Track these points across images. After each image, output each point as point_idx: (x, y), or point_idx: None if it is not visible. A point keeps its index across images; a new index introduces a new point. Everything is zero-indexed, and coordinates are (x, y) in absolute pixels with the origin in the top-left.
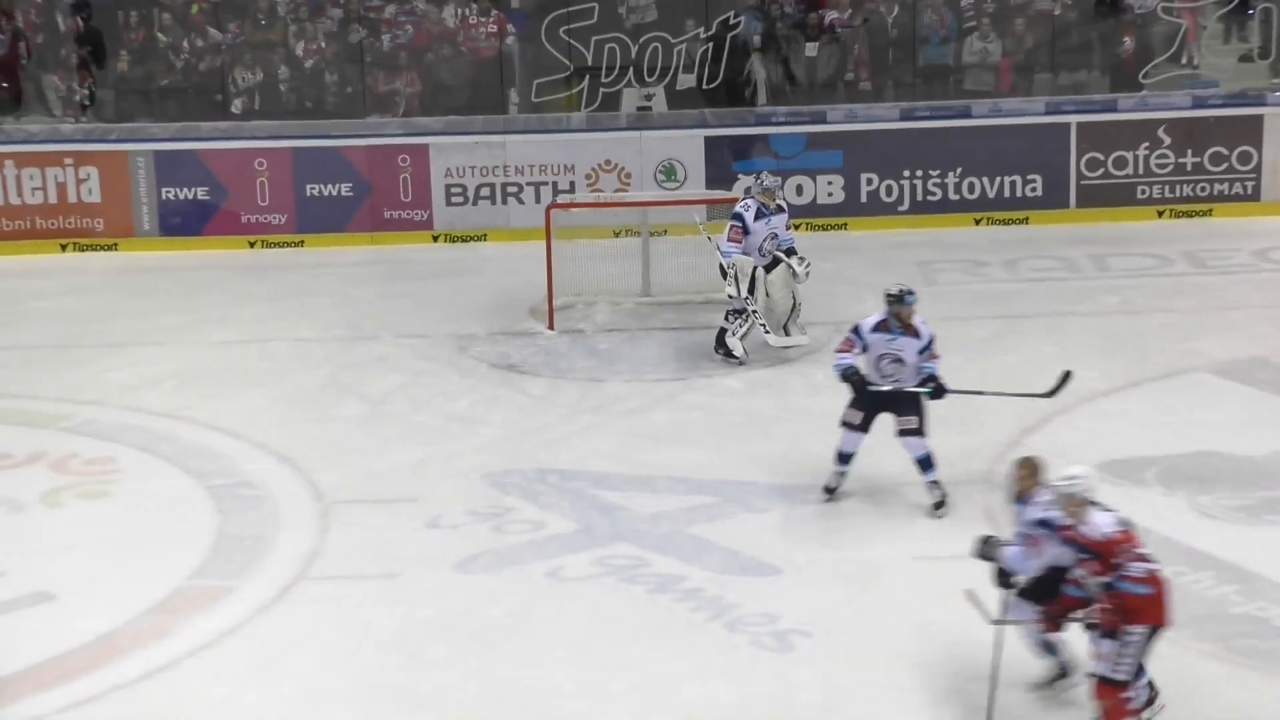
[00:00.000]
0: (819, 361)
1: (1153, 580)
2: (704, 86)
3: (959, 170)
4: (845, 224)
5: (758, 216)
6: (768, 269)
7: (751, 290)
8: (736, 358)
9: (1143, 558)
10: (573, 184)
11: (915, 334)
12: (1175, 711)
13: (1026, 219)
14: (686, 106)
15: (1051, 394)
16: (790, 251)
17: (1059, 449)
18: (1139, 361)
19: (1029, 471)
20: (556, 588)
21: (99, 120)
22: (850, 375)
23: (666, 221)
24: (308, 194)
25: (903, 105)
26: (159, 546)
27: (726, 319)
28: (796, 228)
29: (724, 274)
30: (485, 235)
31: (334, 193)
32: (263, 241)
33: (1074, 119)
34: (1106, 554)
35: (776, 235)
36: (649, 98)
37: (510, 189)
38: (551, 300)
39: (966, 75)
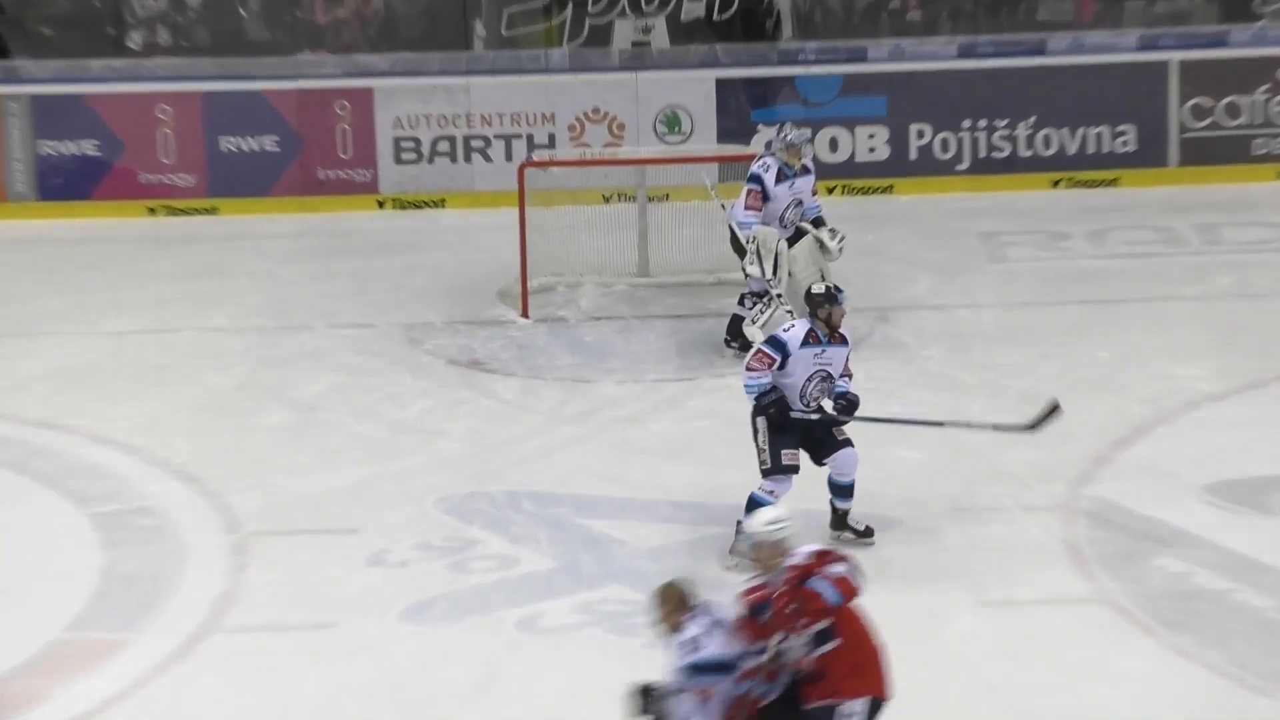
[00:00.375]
0: (857, 360)
1: (847, 589)
2: (715, 17)
3: (1032, 120)
4: (891, 187)
5: (779, 179)
6: (790, 243)
7: (775, 269)
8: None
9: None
10: (552, 137)
11: (843, 341)
12: None
13: (1116, 180)
14: (693, 41)
15: (1033, 428)
16: (818, 222)
17: (1161, 467)
18: (1260, 357)
19: (671, 606)
20: (532, 641)
21: None
22: (769, 400)
23: (669, 184)
24: (222, 149)
25: (961, 40)
26: (30, 589)
27: (742, 304)
28: (829, 192)
29: (740, 249)
30: (443, 200)
31: (255, 148)
32: (166, 208)
33: (1175, 56)
34: (806, 573)
35: (801, 202)
36: (647, 30)
37: (475, 144)
38: (526, 281)
39: (1040, 3)
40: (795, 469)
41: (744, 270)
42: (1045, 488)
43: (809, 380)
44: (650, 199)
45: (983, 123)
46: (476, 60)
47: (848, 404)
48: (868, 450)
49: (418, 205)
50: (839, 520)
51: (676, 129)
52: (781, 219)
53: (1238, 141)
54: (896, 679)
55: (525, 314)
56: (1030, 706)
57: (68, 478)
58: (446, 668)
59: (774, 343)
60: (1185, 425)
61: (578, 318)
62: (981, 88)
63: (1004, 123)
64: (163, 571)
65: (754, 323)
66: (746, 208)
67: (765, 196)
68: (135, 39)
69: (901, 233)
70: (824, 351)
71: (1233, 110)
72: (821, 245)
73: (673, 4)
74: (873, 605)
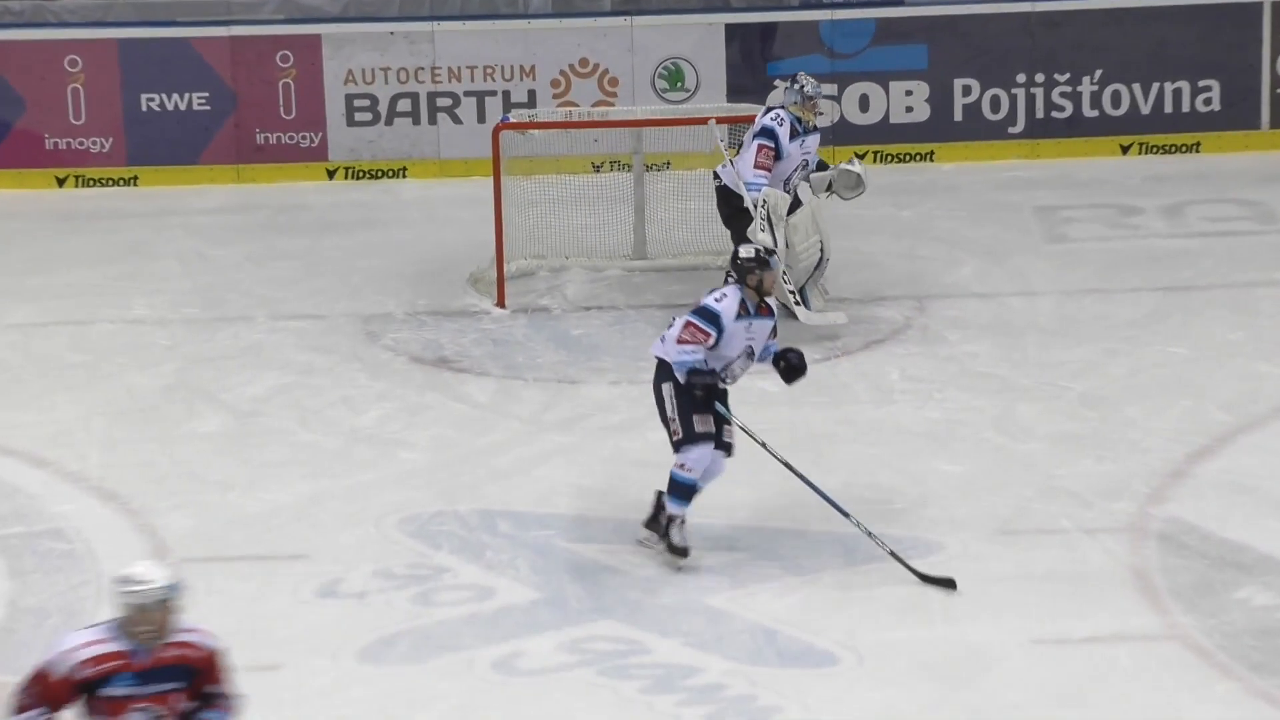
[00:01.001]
0: (891, 356)
1: None
2: None
3: (1098, 74)
4: (932, 153)
5: (792, 135)
6: (789, 210)
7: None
8: (819, 324)
9: None
10: (532, 94)
11: (770, 313)
12: None
13: (1198, 145)
14: None
15: (926, 579)
16: (822, 165)
17: (1246, 482)
18: None
19: None
20: (509, 684)
21: None
22: (702, 380)
23: (670, 149)
24: (143, 108)
25: None
26: None
27: (727, 281)
28: (861, 158)
29: (732, 214)
30: (405, 169)
31: (182, 106)
32: (79, 178)
33: None
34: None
35: (808, 163)
36: None
37: (441, 101)
38: (502, 265)
39: None
40: (711, 436)
41: (759, 240)
42: (1110, 506)
43: (737, 357)
44: (648, 167)
45: (1040, 78)
46: (443, 3)
47: (791, 366)
48: (902, 462)
49: (374, 175)
50: (653, 520)
51: (679, 84)
52: (787, 182)
53: None
54: None
55: (501, 303)
56: None
57: None
58: (411, 717)
59: (707, 315)
60: (1275, 433)
61: (563, 308)
62: (1040, 35)
63: (1065, 77)
64: (78, 604)
65: (796, 302)
66: (757, 166)
67: (778, 154)
68: None
69: (945, 207)
70: (751, 325)
71: None
72: (848, 180)
73: None
74: (909, 643)
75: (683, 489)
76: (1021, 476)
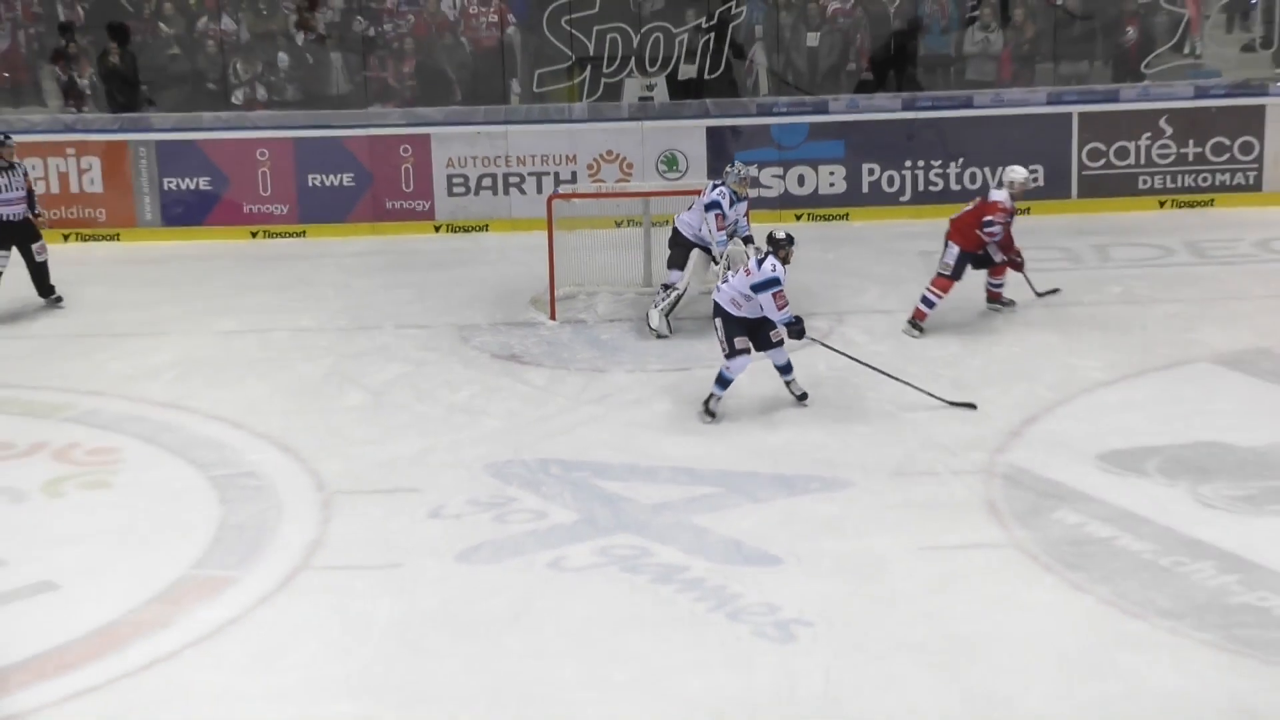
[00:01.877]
0: (820, 354)
1: None
2: (705, 76)
3: (960, 160)
4: (847, 214)
5: (731, 204)
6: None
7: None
8: (654, 329)
9: None
10: (574, 174)
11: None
12: (1176, 703)
13: (1029, 209)
14: (688, 97)
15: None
16: (748, 240)
17: (1062, 439)
18: (1141, 352)
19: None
20: (558, 578)
21: (99, 111)
22: (796, 322)
23: (668, 211)
24: (309, 184)
25: (904, 95)
26: (161, 537)
27: (658, 292)
28: (797, 219)
29: (679, 253)
30: (487, 225)
31: (336, 183)
32: (265, 231)
33: (1076, 109)
34: None
35: (738, 223)
36: (651, 88)
37: (512, 179)
38: (553, 290)
39: (968, 65)
40: (747, 350)
41: (670, 270)
42: (970, 455)
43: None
44: (653, 224)
45: (921, 163)
46: (513, 112)
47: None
48: (829, 425)
49: (466, 229)
50: (787, 386)
51: (674, 167)
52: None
53: (1126, 178)
54: (851, 608)
55: (553, 317)
56: (956, 630)
57: (189, 448)
58: (490, 599)
59: (778, 283)
60: (1082, 406)
61: (595, 320)
62: (921, 134)
63: (938, 163)
64: (266, 522)
65: (656, 307)
66: (719, 229)
67: (725, 218)
68: (238, 95)
69: (856, 251)
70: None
71: (1122, 153)
72: (712, 261)
73: (671, 66)
74: (832, 550)
75: (726, 382)
76: (909, 435)
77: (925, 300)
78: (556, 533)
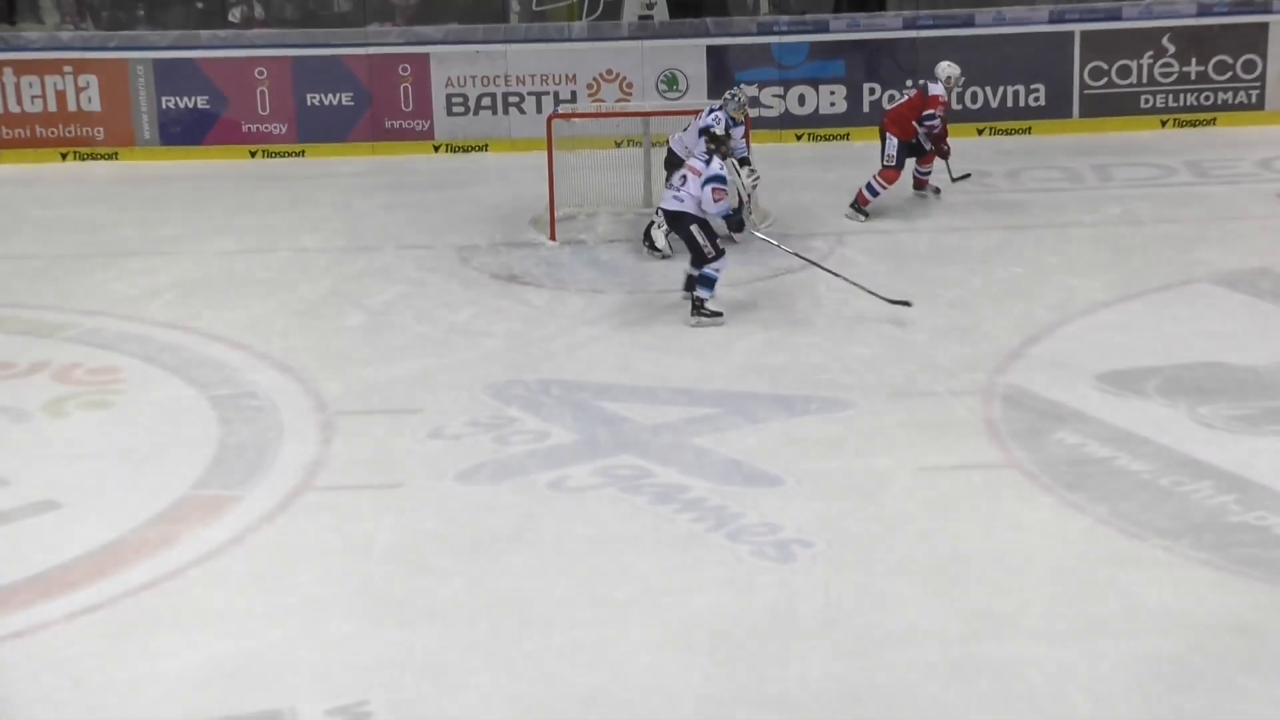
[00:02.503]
0: (820, 274)
1: None
2: None
3: (963, 80)
4: (848, 134)
5: (728, 129)
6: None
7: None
8: (659, 250)
9: None
10: (574, 94)
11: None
12: (1173, 621)
13: (1029, 129)
14: (688, 15)
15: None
16: (744, 161)
17: (1061, 359)
18: (1142, 272)
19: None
20: (559, 498)
21: (97, 28)
22: (734, 214)
23: (668, 131)
24: (308, 103)
25: (905, 14)
26: (163, 456)
27: (657, 213)
28: (798, 139)
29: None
30: (486, 146)
31: (335, 102)
32: (264, 151)
33: (1078, 27)
34: None
35: (734, 146)
36: (650, 6)
37: (511, 99)
38: (553, 211)
39: None
40: (725, 251)
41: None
42: (969, 376)
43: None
44: (653, 144)
45: (922, 82)
46: (513, 31)
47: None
48: (829, 345)
49: (466, 150)
50: (694, 307)
51: (674, 87)
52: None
53: (1128, 97)
54: (850, 528)
55: (553, 238)
56: (955, 550)
57: (190, 368)
58: (492, 518)
59: (722, 179)
60: (1081, 326)
61: (595, 240)
62: (922, 53)
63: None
64: (267, 442)
65: (659, 226)
66: (715, 200)
67: (724, 191)
68: (235, 14)
69: (856, 172)
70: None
71: (1124, 72)
72: (740, 180)
73: None
74: (832, 469)
75: (712, 283)
76: (909, 356)
77: (870, 188)
78: (557, 453)
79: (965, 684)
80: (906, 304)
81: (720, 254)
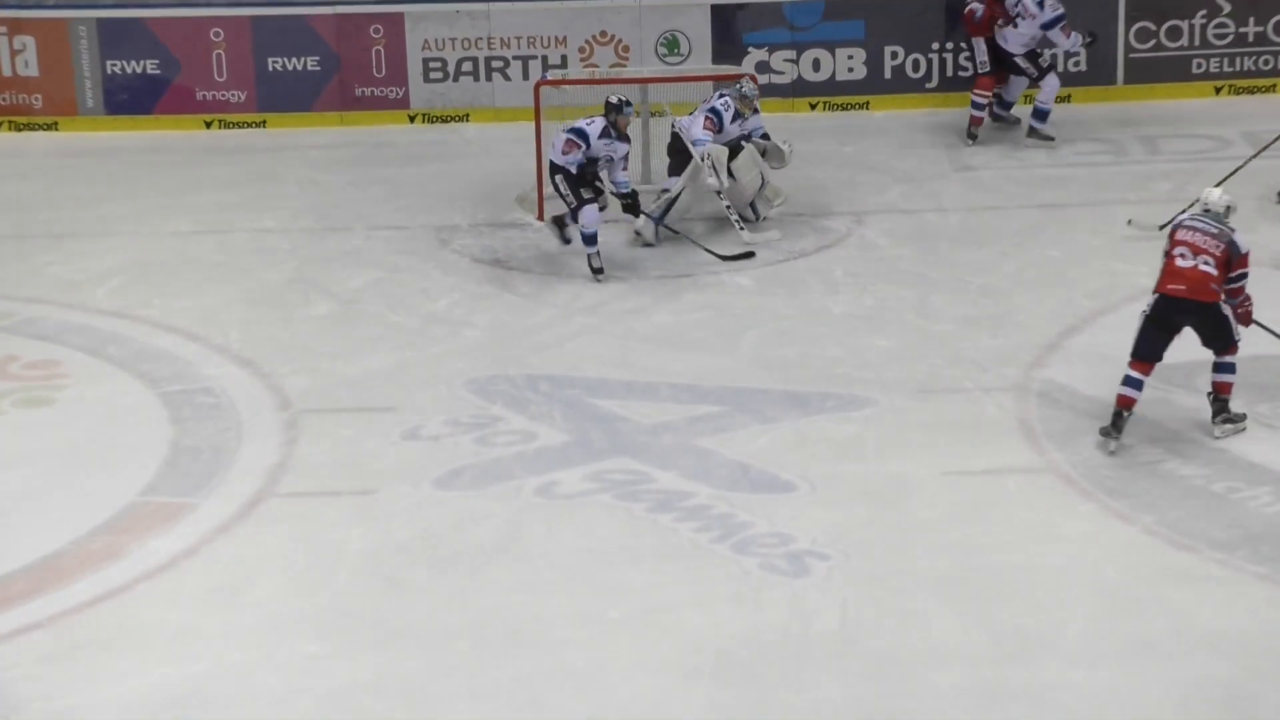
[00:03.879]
0: (836, 258)
1: None
2: None
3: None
4: (868, 103)
5: (733, 119)
6: (731, 155)
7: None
8: (639, 235)
9: None
10: (564, 58)
11: (626, 141)
12: (1227, 641)
13: (1069, 97)
14: None
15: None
16: (765, 137)
17: (1104, 352)
18: None
19: None
20: (548, 505)
21: None
22: (581, 169)
23: (669, 100)
24: (269, 68)
25: None
26: (108, 459)
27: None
28: (812, 108)
29: (676, 155)
30: (467, 115)
31: (299, 67)
32: (220, 121)
33: None
34: None
35: (750, 135)
36: None
37: (495, 64)
38: (542, 188)
39: None
40: (594, 199)
41: (707, 184)
42: (1001, 371)
43: (594, 159)
44: (652, 114)
45: (949, 45)
46: None
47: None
48: (845, 338)
49: (444, 119)
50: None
51: (675, 51)
52: (735, 141)
53: (1178, 62)
54: (870, 538)
55: (540, 217)
56: (986, 562)
57: (139, 361)
58: (474, 528)
59: (578, 132)
60: (1126, 315)
61: None
62: (949, 14)
63: (967, 45)
64: (224, 444)
65: (653, 216)
66: (704, 128)
67: (719, 127)
68: None
69: (876, 144)
70: (612, 144)
71: (1174, 33)
72: (778, 153)
73: None
74: (849, 474)
75: (589, 237)
76: (935, 349)
77: (975, 105)
78: (545, 456)
79: (997, 711)
80: (749, 255)
81: (582, 202)
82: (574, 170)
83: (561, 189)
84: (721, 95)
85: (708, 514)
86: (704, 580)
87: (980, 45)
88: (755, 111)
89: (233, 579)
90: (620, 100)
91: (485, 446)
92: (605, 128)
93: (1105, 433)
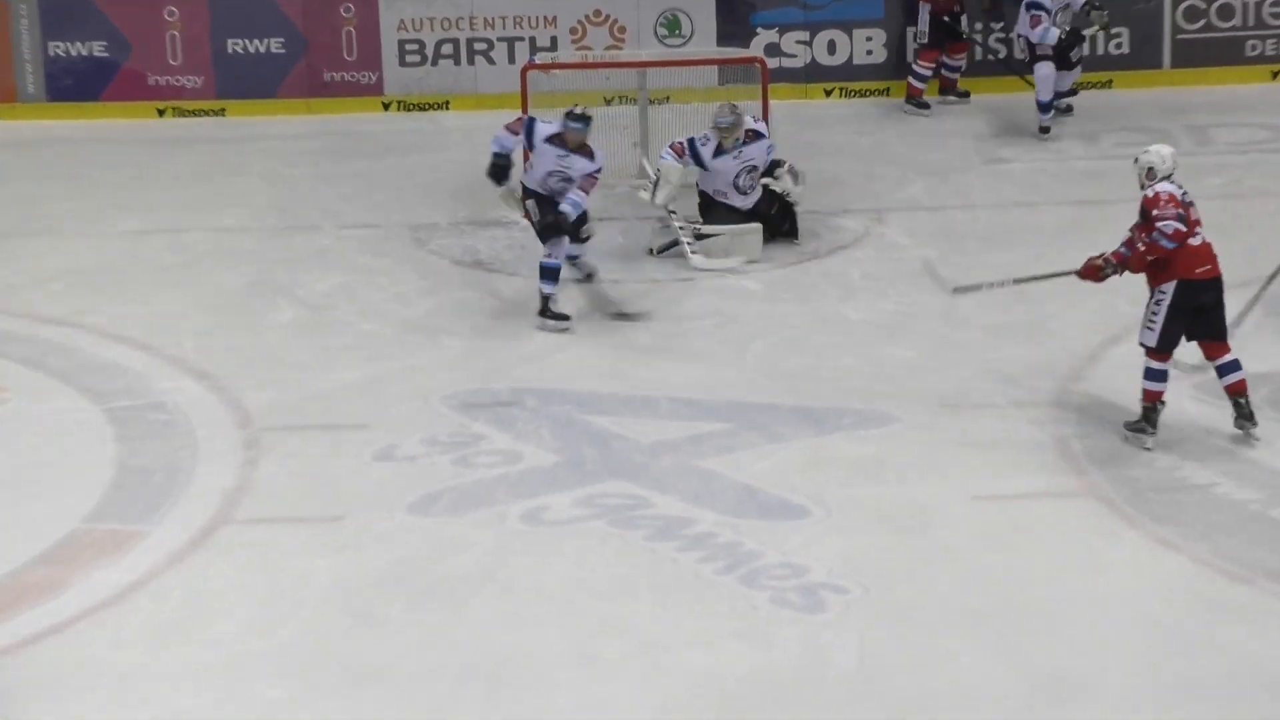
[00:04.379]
0: (853, 260)
1: None
2: None
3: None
4: (888, 89)
5: (717, 153)
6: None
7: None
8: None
9: None
10: (554, 40)
11: (588, 156)
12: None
13: (1110, 81)
14: None
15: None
16: (775, 163)
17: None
18: (1247, 257)
19: None
20: (535, 533)
21: None
22: (501, 162)
23: (669, 86)
24: (229, 51)
25: None
26: (49, 482)
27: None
28: (827, 95)
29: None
30: (448, 103)
31: (261, 49)
32: (175, 109)
33: None
34: None
35: (756, 167)
36: None
37: (478, 46)
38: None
39: None
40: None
41: (643, 197)
42: (1036, 384)
43: (549, 174)
44: (651, 101)
45: (978, 26)
46: None
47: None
48: (862, 348)
49: (422, 107)
50: (542, 307)
51: (677, 32)
52: (737, 186)
53: (1231, 43)
54: (891, 569)
55: (527, 215)
56: (1019, 597)
57: (83, 374)
58: (453, 559)
59: (525, 123)
60: None
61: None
62: None
63: (999, 26)
64: (177, 465)
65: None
66: (671, 148)
67: (695, 161)
68: None
69: (898, 134)
70: (565, 157)
71: (1225, 12)
72: (786, 192)
73: None
74: (868, 498)
75: (551, 273)
76: (962, 360)
77: (915, 75)
78: (532, 479)
79: None
80: (630, 317)
81: (554, 232)
82: (538, 189)
83: (533, 215)
84: (706, 133)
85: (712, 542)
86: (708, 616)
87: (925, 15)
88: (760, 135)
89: (186, 615)
90: (579, 111)
91: (466, 468)
92: (559, 134)
93: (1138, 428)
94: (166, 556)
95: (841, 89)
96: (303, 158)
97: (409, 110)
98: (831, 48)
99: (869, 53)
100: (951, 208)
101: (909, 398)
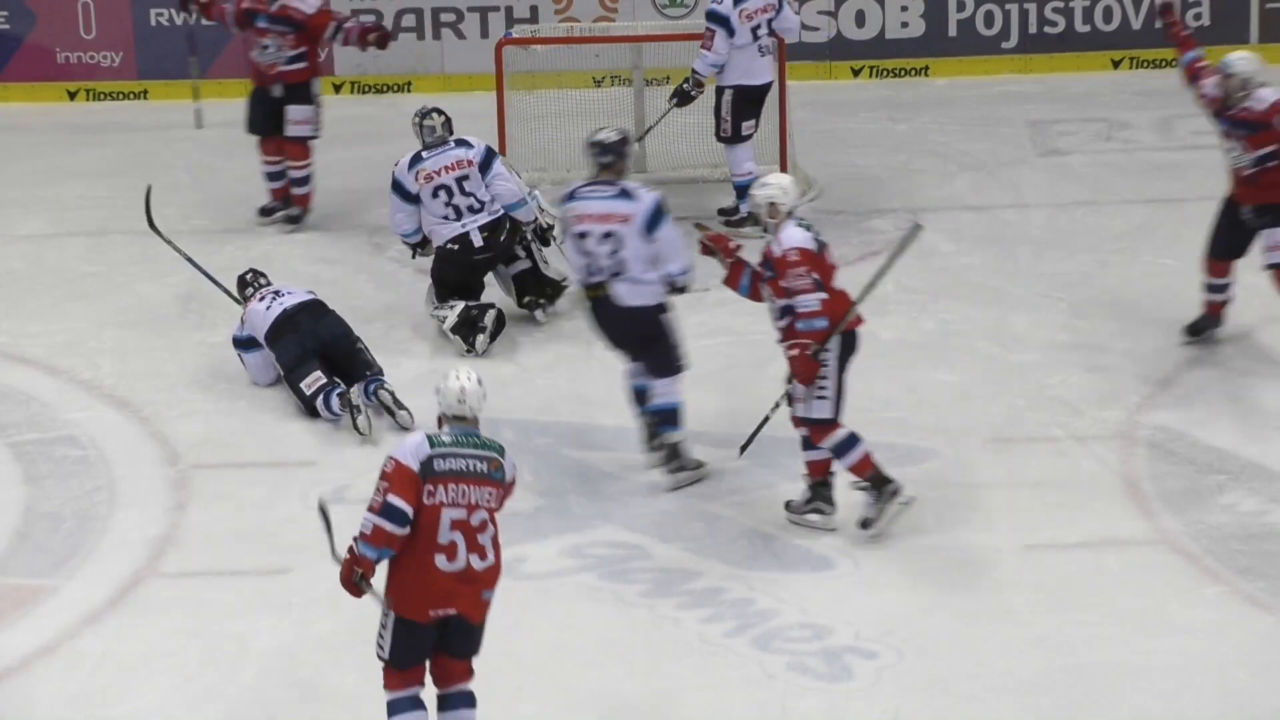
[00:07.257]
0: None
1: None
2: None
3: None
4: (927, 68)
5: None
6: None
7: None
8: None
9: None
10: (534, 9)
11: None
12: None
13: None
14: None
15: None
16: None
17: (1231, 392)
18: None
19: None
20: (514, 589)
21: None
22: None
23: (670, 65)
24: (152, 22)
25: None
26: None
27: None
28: (855, 74)
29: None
30: (409, 84)
31: (191, 20)
32: (89, 91)
33: None
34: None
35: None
36: None
37: (444, 18)
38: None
39: None
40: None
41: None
42: (1100, 414)
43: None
44: (648, 82)
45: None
46: None
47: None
48: (898, 372)
49: (379, 89)
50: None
51: (678, 2)
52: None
53: None
54: (930, 631)
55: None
56: (1081, 662)
57: None
58: None
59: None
60: (1262, 342)
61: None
62: None
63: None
64: (92, 509)
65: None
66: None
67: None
68: None
69: (939, 121)
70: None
71: None
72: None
73: None
74: (905, 549)
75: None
76: (1014, 385)
77: None
78: (510, 526)
79: None
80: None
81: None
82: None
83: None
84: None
85: (720, 599)
86: (716, 685)
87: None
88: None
89: (103, 684)
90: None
91: None
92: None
93: (1195, 331)
94: (79, 617)
95: (872, 68)
96: (238, 149)
97: (363, 92)
98: (860, 19)
99: (904, 25)
100: (1002, 207)
101: (952, 430)
